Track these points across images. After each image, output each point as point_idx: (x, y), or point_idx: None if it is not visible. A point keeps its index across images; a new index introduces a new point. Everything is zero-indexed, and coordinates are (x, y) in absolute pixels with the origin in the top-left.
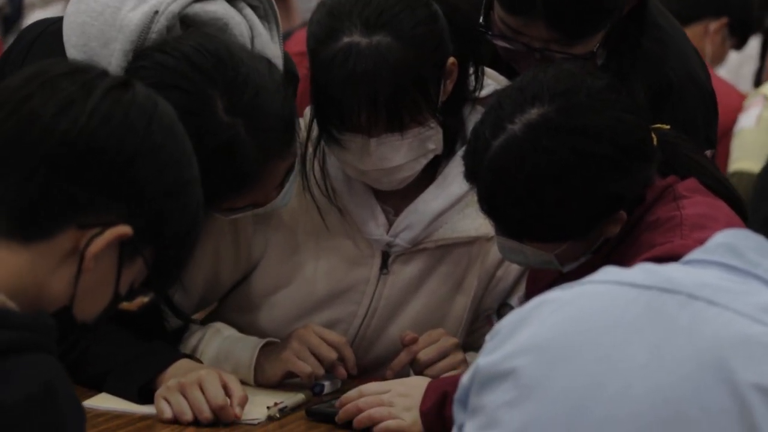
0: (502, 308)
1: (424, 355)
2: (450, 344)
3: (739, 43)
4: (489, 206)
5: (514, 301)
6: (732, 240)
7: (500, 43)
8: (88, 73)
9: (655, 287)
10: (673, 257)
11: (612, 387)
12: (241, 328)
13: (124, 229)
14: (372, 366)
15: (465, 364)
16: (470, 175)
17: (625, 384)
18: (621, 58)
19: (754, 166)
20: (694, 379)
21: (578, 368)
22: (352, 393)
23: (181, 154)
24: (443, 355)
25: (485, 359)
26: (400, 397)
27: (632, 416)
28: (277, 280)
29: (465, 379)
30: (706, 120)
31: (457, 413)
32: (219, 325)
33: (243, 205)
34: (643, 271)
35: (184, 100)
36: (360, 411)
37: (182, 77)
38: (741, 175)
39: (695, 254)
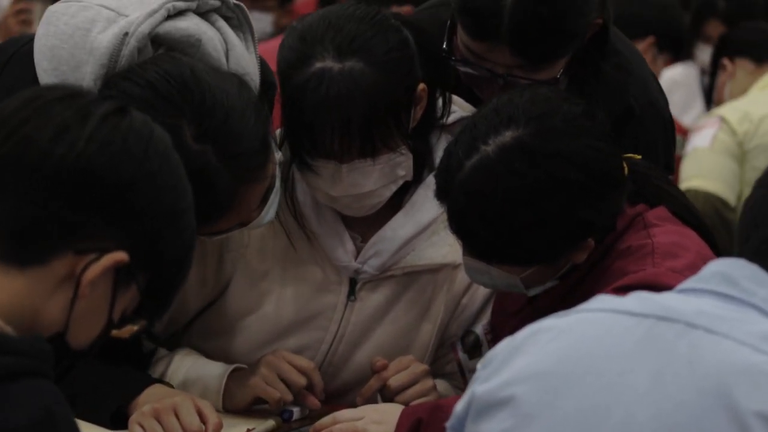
0: (467, 336)
1: (394, 381)
2: (420, 371)
3: (673, 58)
4: (458, 226)
5: (478, 328)
6: (726, 269)
7: (463, 68)
8: (82, 99)
9: (652, 315)
10: (645, 285)
11: (615, 415)
12: (208, 354)
13: (120, 256)
14: (338, 392)
15: (435, 391)
16: (441, 194)
17: (628, 412)
18: (582, 84)
19: (708, 185)
20: (695, 406)
21: (580, 396)
22: (326, 420)
23: (177, 181)
24: (413, 382)
25: (481, 387)
26: (374, 424)
27: None
28: (245, 306)
29: (459, 407)
30: (666, 146)
31: None
32: (186, 351)
33: (227, 227)
34: (638, 300)
35: None
36: None
37: (147, 107)
38: (696, 193)
39: (690, 283)
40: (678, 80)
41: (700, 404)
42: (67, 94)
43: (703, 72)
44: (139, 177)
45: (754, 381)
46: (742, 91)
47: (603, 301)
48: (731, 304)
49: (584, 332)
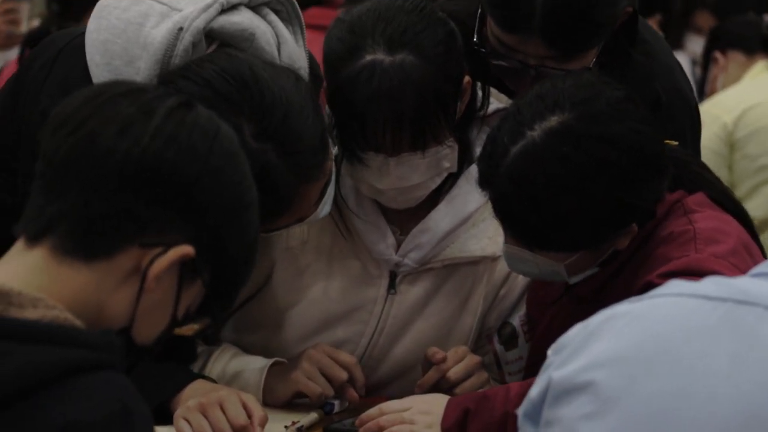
0: (504, 327)
1: (453, 374)
2: (474, 363)
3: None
4: (504, 213)
5: (515, 320)
6: None
7: (494, 60)
8: (147, 94)
9: (730, 299)
10: (689, 271)
11: (697, 397)
12: (247, 348)
13: (186, 249)
14: (378, 385)
15: (489, 383)
16: (485, 181)
17: (711, 393)
18: (612, 72)
19: None
20: None
21: (661, 380)
22: (372, 411)
23: (242, 177)
24: (470, 374)
25: (558, 372)
26: (421, 414)
27: (719, 424)
28: (285, 301)
29: (534, 392)
30: (693, 133)
31: (525, 427)
32: (225, 346)
33: (286, 224)
34: (714, 284)
35: None
36: (381, 429)
37: (206, 105)
38: None
39: (763, 267)
40: None
41: None
42: (131, 90)
43: (693, 62)
44: (203, 172)
45: None
46: (735, 83)
47: (677, 286)
48: None
49: (661, 316)
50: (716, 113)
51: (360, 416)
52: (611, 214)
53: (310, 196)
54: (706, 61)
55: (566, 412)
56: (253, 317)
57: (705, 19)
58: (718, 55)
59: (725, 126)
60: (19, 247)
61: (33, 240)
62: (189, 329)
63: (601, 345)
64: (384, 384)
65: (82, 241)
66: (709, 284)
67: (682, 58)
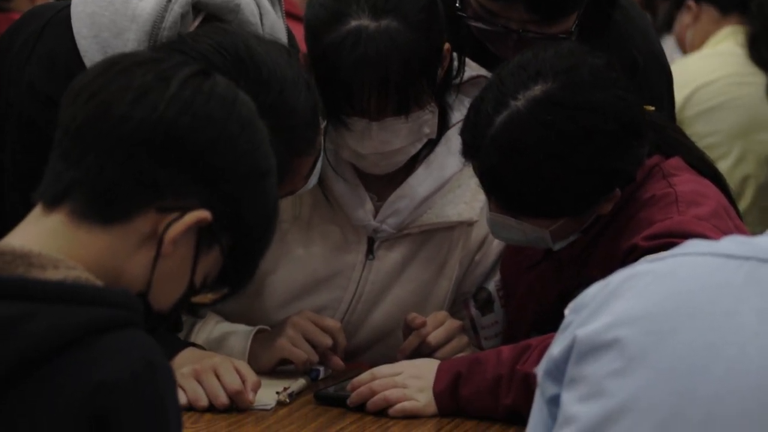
0: (479, 292)
1: (433, 339)
2: (455, 327)
3: None
4: (490, 182)
5: (491, 285)
6: None
7: (477, 24)
8: (163, 63)
9: (753, 257)
10: (674, 233)
11: (727, 352)
12: (228, 315)
13: (203, 214)
14: (357, 350)
15: (469, 346)
16: (470, 151)
17: (740, 349)
18: (591, 36)
19: None
20: None
21: (689, 336)
22: (364, 376)
23: (259, 145)
24: (450, 338)
25: (582, 330)
26: (413, 378)
27: (749, 381)
28: (264, 267)
29: (555, 351)
30: (669, 98)
31: (546, 385)
32: (208, 313)
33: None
34: (735, 243)
35: None
36: (373, 393)
37: None
38: None
39: None
40: None
41: None
42: (147, 59)
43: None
44: (220, 138)
45: None
46: (703, 38)
47: (699, 245)
48: None
49: (684, 275)
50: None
51: (352, 381)
52: (596, 180)
53: (301, 170)
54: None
55: (593, 369)
56: None
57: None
58: (691, 2)
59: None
60: (36, 212)
61: (51, 205)
62: (206, 298)
63: (624, 303)
64: (363, 349)
65: (98, 205)
66: (730, 243)
67: (668, 42)
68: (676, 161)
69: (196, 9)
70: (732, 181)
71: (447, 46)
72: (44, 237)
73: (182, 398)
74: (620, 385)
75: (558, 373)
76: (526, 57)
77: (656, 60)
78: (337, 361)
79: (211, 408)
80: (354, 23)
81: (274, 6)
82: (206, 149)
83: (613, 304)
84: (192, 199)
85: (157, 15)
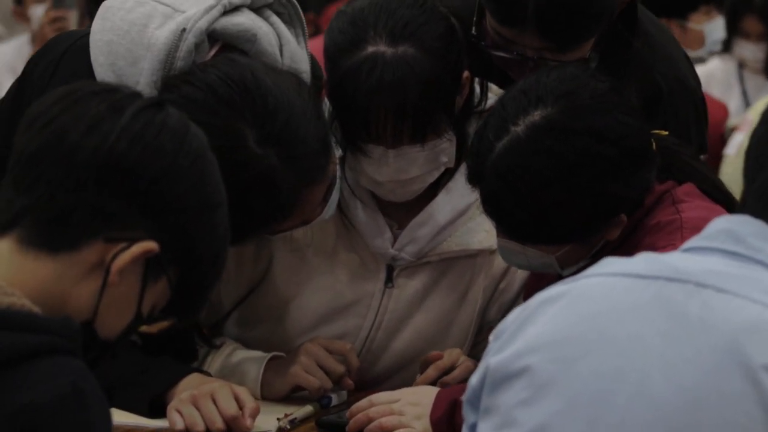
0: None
1: (451, 379)
2: (472, 365)
3: None
4: (492, 208)
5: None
6: (732, 226)
7: (494, 52)
8: (118, 93)
9: (661, 277)
10: None
11: (631, 378)
12: (248, 343)
13: (150, 245)
14: (378, 379)
15: None
16: (473, 177)
17: (645, 375)
18: (613, 61)
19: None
20: (709, 366)
21: (595, 362)
22: (362, 403)
23: (210, 178)
24: (466, 377)
25: (495, 359)
26: (410, 405)
27: (654, 407)
28: (284, 295)
29: (474, 379)
30: (698, 126)
31: (468, 414)
32: (225, 341)
33: (291, 226)
34: (646, 262)
35: (214, 135)
36: (370, 420)
37: (210, 112)
38: None
39: (695, 241)
40: (716, 75)
41: (713, 362)
42: (102, 89)
43: (741, 66)
44: (170, 171)
45: (765, 337)
46: None
47: (610, 264)
48: (739, 262)
49: (594, 297)
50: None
51: (351, 408)
52: (598, 206)
53: (313, 198)
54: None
55: (504, 398)
56: (255, 312)
57: (752, 24)
58: None
59: None
60: None
61: (0, 231)
62: (155, 327)
63: (535, 329)
64: (383, 378)
65: (47, 233)
66: (641, 262)
67: (729, 64)
68: (688, 187)
69: (212, 39)
70: None
71: (466, 74)
72: None
73: (179, 423)
74: (530, 414)
75: (477, 401)
76: (528, 81)
77: (683, 87)
78: (349, 383)
79: None
80: (371, 49)
81: (297, 37)
82: (156, 181)
83: (526, 330)
84: (140, 230)
85: (172, 44)
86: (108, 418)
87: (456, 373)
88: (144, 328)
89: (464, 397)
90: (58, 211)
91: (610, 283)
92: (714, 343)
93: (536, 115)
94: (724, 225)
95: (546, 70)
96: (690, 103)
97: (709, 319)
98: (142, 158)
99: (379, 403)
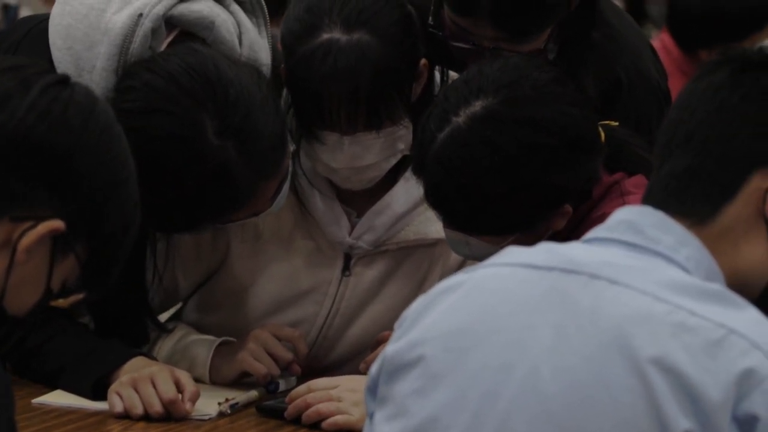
0: None
1: None
2: None
3: None
4: (435, 199)
5: None
6: (632, 217)
7: (452, 42)
8: (27, 70)
9: (557, 268)
10: None
11: (519, 371)
12: (205, 328)
13: (56, 224)
14: (333, 366)
15: None
16: (417, 168)
17: (533, 367)
18: (571, 52)
19: None
20: (597, 360)
21: (486, 354)
22: (301, 388)
23: (117, 153)
24: None
25: (392, 347)
26: (349, 392)
27: (540, 400)
28: (241, 282)
29: (374, 368)
30: (659, 116)
31: (368, 403)
32: (178, 324)
33: (241, 218)
34: (545, 252)
35: (173, 124)
36: (308, 406)
37: (171, 101)
38: None
39: (597, 232)
40: None
41: (601, 356)
42: (12, 66)
43: None
44: (76, 147)
45: (652, 329)
46: None
47: (511, 254)
48: (637, 253)
49: (490, 288)
50: None
51: (290, 393)
52: (541, 197)
53: (266, 192)
54: None
55: (399, 388)
56: (213, 298)
57: None
58: None
59: None
60: None
61: None
62: (68, 301)
63: (431, 318)
64: (339, 365)
65: None
66: (540, 253)
67: None
68: (638, 179)
69: (169, 24)
70: None
71: (424, 61)
72: None
73: (118, 406)
74: (421, 405)
75: (375, 390)
76: (471, 72)
77: (644, 79)
78: (296, 369)
79: (147, 417)
80: (326, 36)
81: (259, 27)
82: (62, 158)
83: (423, 319)
84: (46, 208)
85: (128, 29)
86: (8, 400)
87: None
88: (58, 302)
89: (365, 386)
90: None
91: (505, 274)
92: (602, 335)
93: (477, 106)
94: (625, 216)
95: (490, 60)
96: (652, 96)
97: (599, 312)
98: (48, 135)
99: (318, 389)
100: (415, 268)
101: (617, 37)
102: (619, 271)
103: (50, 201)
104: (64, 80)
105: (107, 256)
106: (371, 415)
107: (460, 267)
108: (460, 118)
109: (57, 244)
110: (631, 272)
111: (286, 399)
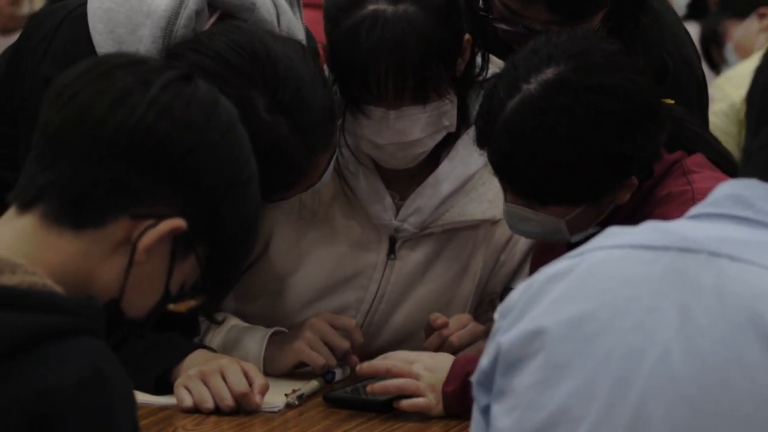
0: (506, 292)
1: (457, 339)
2: (479, 330)
3: None
4: (503, 168)
5: (518, 285)
6: (739, 191)
7: (501, 25)
8: (145, 66)
9: (672, 247)
10: None
11: (650, 355)
12: (249, 317)
13: (178, 222)
14: (379, 351)
15: None
16: (483, 138)
17: (663, 351)
18: (621, 36)
19: None
20: (730, 341)
21: (611, 340)
22: (378, 360)
23: (240, 152)
24: (474, 340)
25: (505, 338)
26: (427, 371)
27: (675, 385)
28: (285, 268)
29: (484, 361)
30: (699, 105)
31: (479, 396)
32: (226, 316)
33: (296, 193)
34: (654, 232)
35: None
36: (388, 371)
37: (220, 80)
38: None
39: (702, 208)
40: None
41: (734, 337)
42: (130, 61)
43: None
44: (199, 145)
45: None
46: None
47: (616, 236)
48: (748, 227)
49: (605, 272)
50: (727, 90)
51: (364, 365)
52: (610, 165)
53: (319, 166)
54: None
55: (518, 380)
56: (253, 286)
57: None
58: (765, 10)
59: (734, 104)
60: (10, 214)
61: (23, 207)
62: (184, 305)
63: (545, 307)
64: (386, 350)
65: (71, 209)
66: (649, 232)
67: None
68: (698, 157)
69: (211, 6)
70: None
71: (468, 36)
72: (13, 239)
73: (187, 400)
74: (549, 397)
75: (488, 383)
76: (539, 42)
77: (687, 66)
78: (354, 360)
79: (217, 410)
80: (371, 7)
81: (292, 6)
82: (184, 156)
83: (534, 308)
84: (168, 207)
85: (172, 11)
86: (131, 401)
87: (463, 332)
88: (171, 307)
89: (473, 379)
90: (82, 187)
91: (618, 256)
92: (733, 315)
93: (549, 73)
94: (730, 190)
95: (556, 32)
96: (693, 83)
97: (726, 290)
98: (170, 132)
99: (396, 359)
100: (459, 250)
101: (663, 23)
102: (737, 247)
103: (171, 199)
104: (187, 76)
105: (227, 258)
106: (485, 409)
107: (503, 249)
108: (531, 86)
109: (177, 243)
110: (749, 248)
111: (368, 388)
